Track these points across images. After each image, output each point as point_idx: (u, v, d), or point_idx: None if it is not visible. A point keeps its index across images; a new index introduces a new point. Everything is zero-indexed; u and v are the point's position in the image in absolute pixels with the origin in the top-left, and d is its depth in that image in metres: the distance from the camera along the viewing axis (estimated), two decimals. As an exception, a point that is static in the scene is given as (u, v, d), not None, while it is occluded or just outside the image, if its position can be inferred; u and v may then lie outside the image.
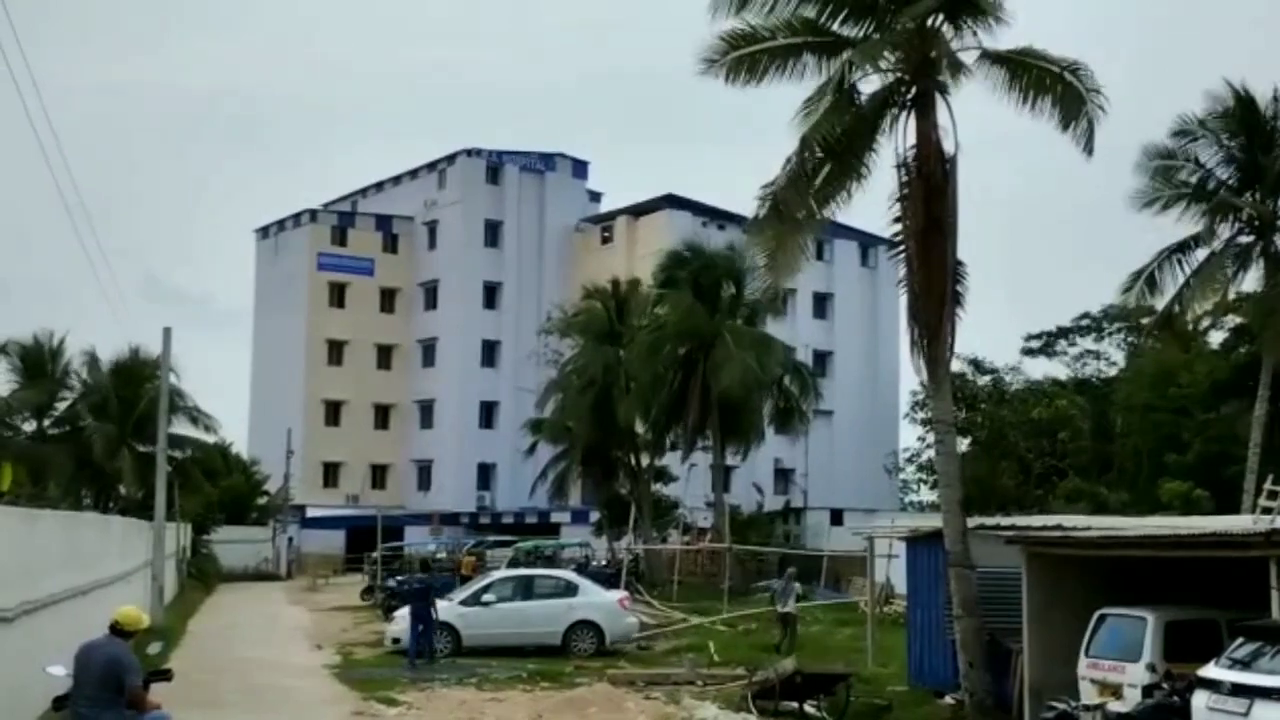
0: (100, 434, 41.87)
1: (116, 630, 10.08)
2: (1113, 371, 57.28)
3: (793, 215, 17.70)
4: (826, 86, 16.98)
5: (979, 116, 18.23)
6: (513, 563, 40.00)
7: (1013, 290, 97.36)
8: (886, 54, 17.41)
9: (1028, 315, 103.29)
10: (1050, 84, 17.10)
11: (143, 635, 10.87)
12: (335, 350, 72.38)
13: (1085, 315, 60.49)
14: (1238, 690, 11.00)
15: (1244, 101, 30.36)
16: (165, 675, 11.28)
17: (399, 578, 38.17)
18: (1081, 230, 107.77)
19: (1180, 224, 30.90)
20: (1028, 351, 60.55)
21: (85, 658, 9.92)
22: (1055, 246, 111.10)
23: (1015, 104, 17.39)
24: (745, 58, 17.46)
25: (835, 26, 17.70)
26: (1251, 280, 31.91)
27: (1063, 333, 61.26)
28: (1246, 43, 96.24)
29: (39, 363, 44.01)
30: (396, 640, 24.54)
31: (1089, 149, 17.18)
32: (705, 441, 46.21)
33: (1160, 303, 31.81)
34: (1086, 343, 60.54)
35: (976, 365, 52.79)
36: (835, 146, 17.36)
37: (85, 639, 10.28)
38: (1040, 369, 58.33)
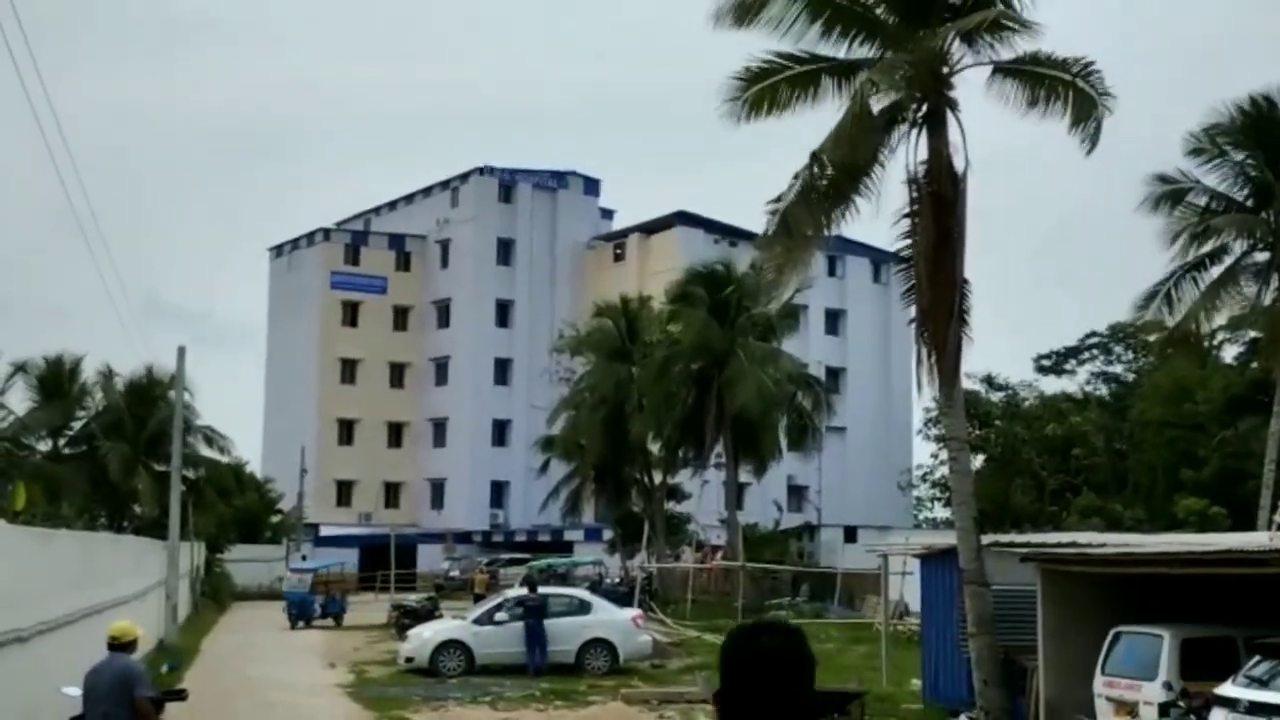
0: (115, 453, 41.98)
1: (115, 646, 10.13)
2: (1123, 389, 57.14)
3: (801, 231, 17.71)
4: (842, 106, 17.03)
5: (991, 133, 18.23)
6: (526, 581, 39.93)
7: (1023, 307, 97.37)
8: (900, 73, 17.45)
9: (1037, 332, 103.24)
10: (1062, 91, 17.11)
11: (157, 655, 10.91)
12: (348, 369, 72.60)
13: (1093, 334, 60.44)
14: (1255, 709, 10.94)
15: (1254, 116, 30.15)
16: (180, 695, 11.31)
17: (413, 598, 38.21)
18: (1088, 245, 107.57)
19: (1196, 241, 30.78)
20: (1040, 369, 60.55)
21: (94, 679, 9.96)
22: (1062, 262, 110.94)
23: (1026, 114, 17.40)
24: (766, 90, 17.47)
25: (844, 53, 17.74)
26: (1267, 295, 31.75)
27: (1071, 352, 61.19)
28: (1240, 47, 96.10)
29: (57, 383, 44.18)
30: (410, 659, 24.51)
31: (1093, 145, 17.14)
32: (719, 459, 46.16)
33: (1176, 319, 31.66)
34: (1096, 364, 60.52)
35: (989, 382, 52.70)
36: (845, 163, 17.38)
37: (99, 659, 10.31)
38: (1052, 387, 58.30)
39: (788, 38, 17.53)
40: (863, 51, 17.76)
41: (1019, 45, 17.29)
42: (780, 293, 19.65)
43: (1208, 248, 30.57)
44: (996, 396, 52.96)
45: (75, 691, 10.06)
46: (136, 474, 42.06)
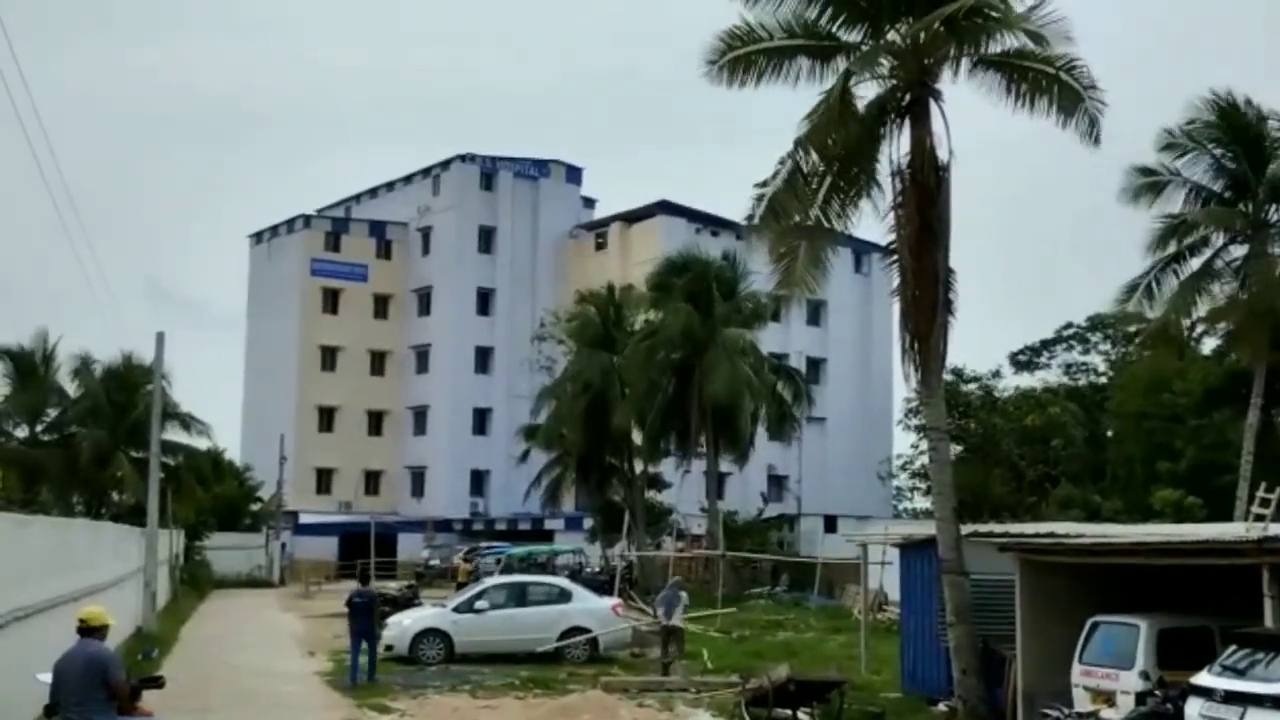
0: (92, 440, 41.69)
1: (86, 631, 10.04)
2: (1101, 380, 57.41)
3: (789, 218, 17.68)
4: (822, 89, 16.99)
5: (970, 122, 18.22)
6: (506, 569, 39.95)
7: (993, 298, 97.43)
8: (883, 60, 17.44)
9: (1009, 323, 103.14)
10: (1046, 85, 17.13)
11: (135, 642, 10.84)
12: (329, 356, 72.31)
13: (1069, 325, 60.59)
14: (1231, 698, 11.00)
15: (1231, 111, 30.30)
16: (157, 682, 11.25)
17: (393, 586, 38.15)
18: (1061, 236, 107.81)
19: (1176, 235, 30.92)
20: (1017, 364, 60.78)
21: (65, 665, 9.87)
22: (1035, 254, 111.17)
23: (1011, 106, 17.43)
24: (741, 59, 17.48)
25: (834, 29, 17.72)
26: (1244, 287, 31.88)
27: (1046, 345, 61.39)
28: (1250, 48, 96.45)
29: (31, 367, 43.80)
30: (389, 647, 24.45)
31: (1095, 139, 17.18)
32: (699, 449, 46.20)
33: (1155, 312, 31.84)
34: (1072, 355, 60.76)
35: (959, 374, 52.85)
36: (834, 154, 17.33)
37: (71, 645, 10.21)
38: (1027, 381, 58.54)
39: (783, 8, 17.51)
40: (846, 35, 17.74)
41: (1006, 40, 17.30)
42: (788, 292, 19.38)
43: (1188, 241, 30.77)
44: (968, 388, 53.13)
45: (48, 678, 9.97)
46: (114, 461, 41.78)
